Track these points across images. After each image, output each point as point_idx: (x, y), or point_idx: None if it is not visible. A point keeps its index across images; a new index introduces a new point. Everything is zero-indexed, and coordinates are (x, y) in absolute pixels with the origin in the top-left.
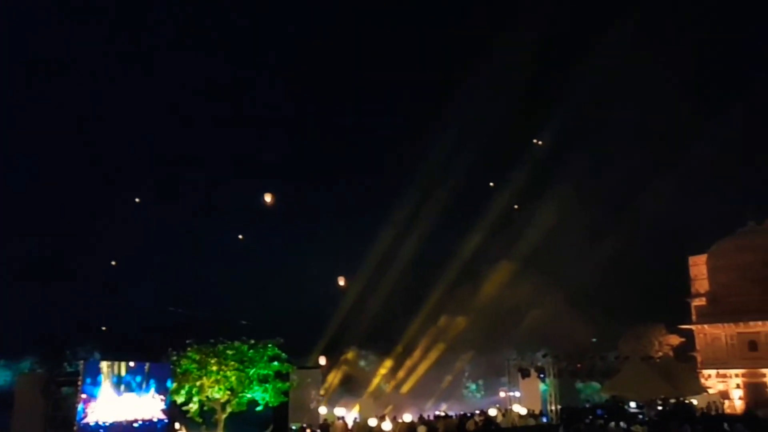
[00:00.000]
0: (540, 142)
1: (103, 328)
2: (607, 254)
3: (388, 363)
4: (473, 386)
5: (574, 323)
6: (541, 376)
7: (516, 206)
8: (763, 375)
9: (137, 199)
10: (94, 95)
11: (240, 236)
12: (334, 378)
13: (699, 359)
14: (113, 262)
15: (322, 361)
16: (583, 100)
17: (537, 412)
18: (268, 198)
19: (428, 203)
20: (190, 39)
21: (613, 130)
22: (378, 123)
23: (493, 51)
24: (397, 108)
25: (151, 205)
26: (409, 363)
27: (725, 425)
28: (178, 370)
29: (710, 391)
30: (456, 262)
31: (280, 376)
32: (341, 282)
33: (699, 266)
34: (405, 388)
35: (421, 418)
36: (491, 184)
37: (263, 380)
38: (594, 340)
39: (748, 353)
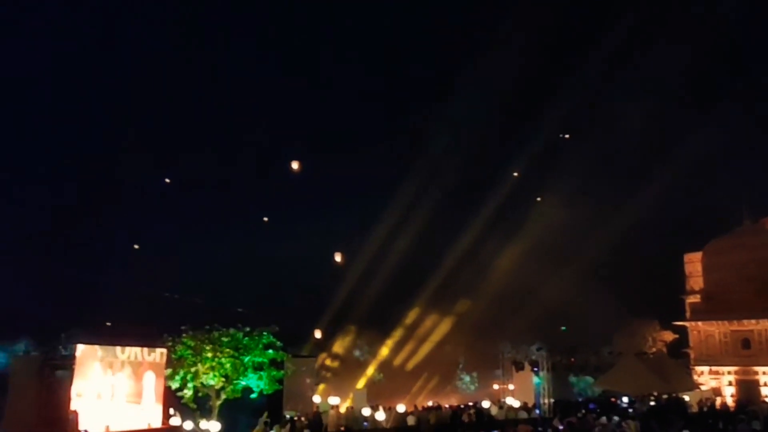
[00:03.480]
0: (567, 136)
1: (104, 320)
2: (604, 250)
3: (383, 352)
4: (467, 378)
5: (569, 317)
6: (535, 369)
7: (538, 198)
8: (755, 373)
9: (167, 180)
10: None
11: (264, 218)
12: (328, 363)
13: (692, 356)
14: (136, 246)
15: (318, 334)
16: (583, 95)
17: (530, 405)
18: (295, 165)
19: (431, 189)
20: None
21: (612, 126)
22: (386, 93)
23: (503, 40)
24: (406, 81)
25: (153, 188)
26: (404, 352)
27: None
28: (173, 355)
29: (703, 387)
30: (458, 250)
31: (275, 364)
32: (338, 258)
33: (694, 263)
34: (400, 378)
35: (415, 408)
36: (515, 174)
37: (258, 368)
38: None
39: (741, 351)
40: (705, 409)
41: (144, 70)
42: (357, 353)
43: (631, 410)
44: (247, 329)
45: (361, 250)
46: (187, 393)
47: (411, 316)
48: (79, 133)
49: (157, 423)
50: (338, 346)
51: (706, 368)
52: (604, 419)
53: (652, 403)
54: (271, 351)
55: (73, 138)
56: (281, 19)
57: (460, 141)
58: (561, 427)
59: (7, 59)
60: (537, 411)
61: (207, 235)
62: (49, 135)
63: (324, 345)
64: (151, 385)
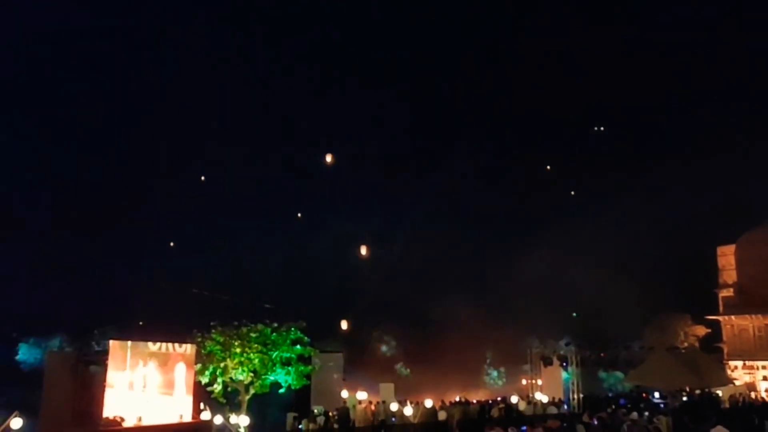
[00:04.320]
0: (601, 128)
1: (135, 317)
2: (635, 243)
3: (410, 347)
4: (495, 373)
5: (599, 311)
6: (564, 364)
7: (572, 192)
8: None
9: (203, 178)
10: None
11: (299, 214)
12: (355, 358)
13: (725, 350)
14: (171, 243)
15: (345, 328)
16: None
17: (558, 400)
18: (328, 158)
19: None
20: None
21: (643, 120)
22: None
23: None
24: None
25: (179, 184)
26: (431, 347)
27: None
28: (203, 351)
29: (736, 382)
30: (486, 245)
31: (303, 359)
32: (363, 251)
33: (727, 257)
34: (427, 373)
35: (443, 403)
36: (547, 167)
37: (286, 363)
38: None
39: None
40: (739, 404)
41: (176, 68)
42: (384, 348)
43: (662, 406)
44: (275, 325)
45: (388, 246)
46: (217, 388)
47: (438, 311)
48: (111, 132)
49: (189, 416)
50: (365, 342)
51: (739, 363)
52: (634, 414)
53: (685, 399)
54: (298, 346)
55: (105, 137)
56: (313, 22)
57: (492, 134)
58: (595, 422)
59: (43, 59)
60: (566, 406)
61: (235, 232)
62: (81, 134)
63: (351, 340)
64: (182, 376)
